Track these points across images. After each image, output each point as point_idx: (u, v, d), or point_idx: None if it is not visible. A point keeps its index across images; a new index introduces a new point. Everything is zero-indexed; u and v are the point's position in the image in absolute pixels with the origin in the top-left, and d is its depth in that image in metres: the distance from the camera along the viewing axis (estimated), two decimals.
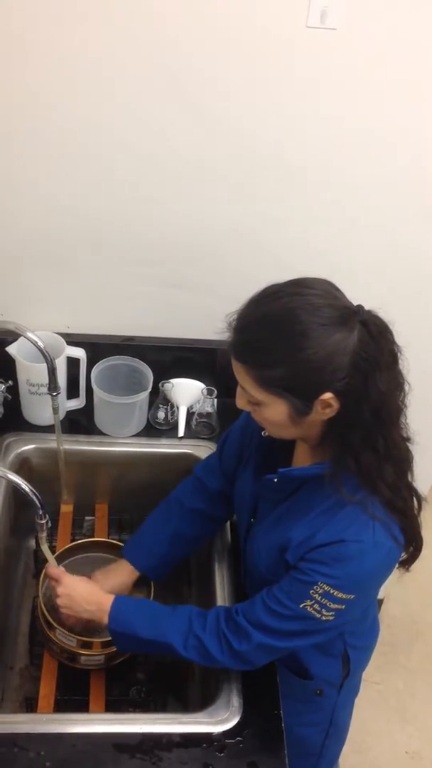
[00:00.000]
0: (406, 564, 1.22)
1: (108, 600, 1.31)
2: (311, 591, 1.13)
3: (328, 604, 1.13)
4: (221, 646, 1.22)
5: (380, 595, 2.39)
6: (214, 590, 1.46)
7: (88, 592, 1.34)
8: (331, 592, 1.12)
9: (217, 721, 1.27)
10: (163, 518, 1.49)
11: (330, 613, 1.14)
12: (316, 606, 1.14)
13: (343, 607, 1.14)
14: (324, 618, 1.15)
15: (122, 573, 1.47)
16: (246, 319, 1.08)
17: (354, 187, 1.59)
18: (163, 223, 1.63)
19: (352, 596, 1.14)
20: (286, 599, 1.17)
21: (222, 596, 1.45)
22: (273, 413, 1.10)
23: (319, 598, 1.13)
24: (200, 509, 1.47)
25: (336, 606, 1.14)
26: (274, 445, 1.24)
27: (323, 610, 1.14)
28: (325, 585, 1.12)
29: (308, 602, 1.14)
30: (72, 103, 1.46)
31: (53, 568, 1.39)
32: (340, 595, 1.13)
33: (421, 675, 2.47)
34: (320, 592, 1.13)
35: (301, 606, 1.15)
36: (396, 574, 1.24)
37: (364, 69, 1.44)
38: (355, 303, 1.09)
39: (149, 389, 1.69)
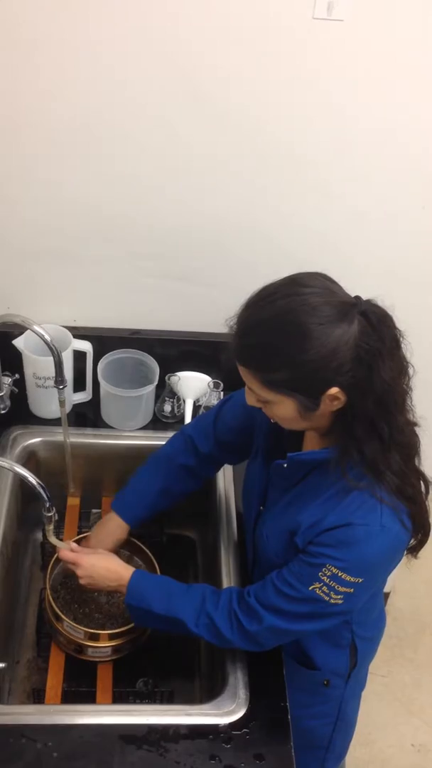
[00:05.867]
0: (414, 551, 1.22)
1: (128, 573, 1.34)
2: (320, 573, 1.14)
3: (336, 587, 1.14)
4: (232, 625, 1.24)
5: (387, 588, 2.39)
6: (221, 582, 1.47)
7: (107, 568, 1.37)
8: (339, 574, 1.13)
9: (224, 712, 1.27)
10: (152, 473, 1.51)
11: (338, 596, 1.15)
12: (324, 588, 1.15)
13: (352, 590, 1.15)
14: (332, 601, 1.16)
15: (111, 526, 1.51)
16: (245, 324, 1.09)
17: (360, 179, 1.58)
18: (169, 215, 1.63)
19: (361, 580, 1.14)
20: (296, 581, 1.18)
21: (228, 586, 1.44)
22: (282, 410, 1.11)
23: (327, 581, 1.14)
24: (189, 466, 1.48)
25: (344, 589, 1.15)
26: (283, 431, 1.25)
27: (332, 592, 1.15)
28: (333, 567, 1.13)
29: (317, 584, 1.15)
30: (77, 96, 1.46)
31: (66, 552, 1.41)
32: (348, 578, 1.13)
33: (428, 668, 2.47)
34: (328, 574, 1.14)
35: (310, 588, 1.16)
36: (403, 563, 1.25)
37: (371, 61, 1.43)
38: (361, 293, 1.09)
39: (155, 382, 1.70)
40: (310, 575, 1.16)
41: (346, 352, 1.03)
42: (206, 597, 1.27)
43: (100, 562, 1.38)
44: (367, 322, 1.05)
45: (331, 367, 1.04)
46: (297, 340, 1.03)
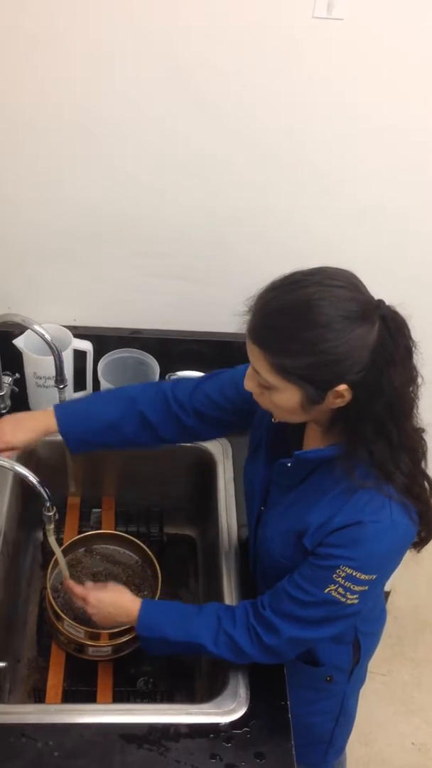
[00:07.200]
0: (418, 546, 1.23)
1: (135, 606, 1.31)
2: (334, 575, 1.14)
3: (351, 587, 1.14)
4: (252, 641, 1.23)
5: (387, 587, 2.39)
6: (221, 581, 1.47)
7: (115, 605, 1.34)
8: (354, 574, 1.13)
9: (224, 711, 1.27)
10: (109, 404, 1.39)
11: (354, 596, 1.15)
12: (340, 590, 1.15)
13: (366, 588, 1.15)
14: (349, 602, 1.16)
15: (40, 422, 1.38)
16: (269, 305, 1.08)
17: (362, 178, 1.58)
18: (169, 215, 1.63)
19: (374, 576, 1.15)
20: (309, 586, 1.17)
21: (229, 587, 1.45)
22: (284, 399, 1.10)
23: (342, 582, 1.14)
24: (151, 420, 1.37)
25: (359, 588, 1.14)
26: (285, 429, 1.24)
27: (347, 593, 1.15)
28: (347, 568, 1.13)
29: (332, 587, 1.15)
30: (77, 96, 1.46)
31: (76, 587, 1.40)
32: (362, 576, 1.13)
33: (428, 667, 2.48)
34: (342, 575, 1.14)
35: (325, 591, 1.15)
36: (404, 563, 1.25)
37: (371, 59, 1.43)
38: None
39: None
40: (323, 578, 1.15)
41: (363, 353, 1.04)
42: (221, 615, 1.26)
43: (108, 599, 1.36)
44: (385, 328, 1.05)
45: (346, 363, 1.04)
46: (318, 329, 1.03)
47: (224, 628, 1.24)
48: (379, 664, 2.39)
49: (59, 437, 1.62)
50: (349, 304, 1.04)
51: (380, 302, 1.08)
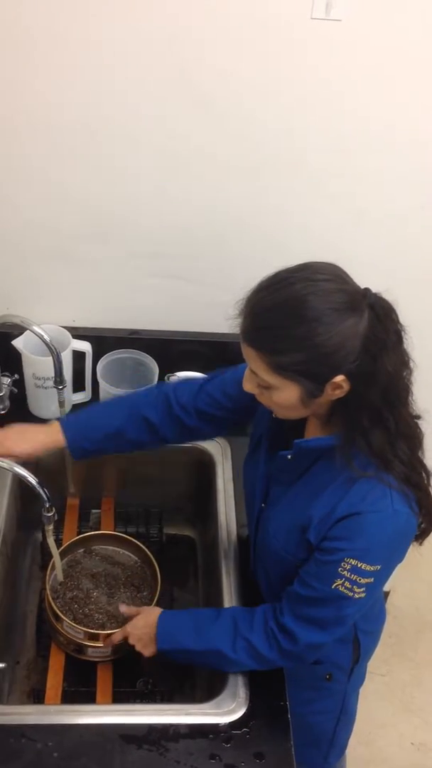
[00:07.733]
0: (420, 538, 1.23)
1: (154, 617, 1.31)
2: (339, 569, 1.14)
3: (358, 579, 1.14)
4: (270, 645, 1.23)
5: (387, 587, 2.39)
6: (221, 581, 1.47)
7: (145, 624, 1.34)
8: (359, 565, 1.13)
9: (224, 712, 1.27)
10: (113, 412, 1.42)
11: (361, 590, 1.15)
12: (347, 584, 1.15)
13: (372, 580, 1.15)
14: (356, 596, 1.16)
15: (46, 436, 1.39)
16: (258, 306, 1.09)
17: (361, 178, 1.59)
18: (168, 215, 1.63)
19: (379, 567, 1.15)
20: (317, 582, 1.17)
21: (228, 587, 1.45)
22: (283, 396, 1.11)
23: (348, 575, 1.14)
24: (153, 422, 1.39)
25: (366, 580, 1.14)
26: (284, 425, 1.24)
27: (354, 587, 1.15)
28: (351, 560, 1.13)
29: (338, 581, 1.15)
30: (77, 96, 1.46)
31: (116, 635, 1.40)
32: (367, 567, 1.13)
33: (428, 667, 2.48)
34: (348, 568, 1.14)
35: (332, 586, 1.15)
36: (403, 562, 1.25)
37: (370, 60, 1.43)
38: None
39: (155, 382, 1.70)
40: (330, 573, 1.15)
41: (355, 342, 1.04)
42: (238, 620, 1.26)
43: (137, 623, 1.36)
44: (374, 315, 1.06)
45: (340, 354, 1.05)
46: (309, 324, 1.04)
47: (241, 633, 1.24)
48: (378, 665, 2.39)
49: None
50: (336, 296, 1.05)
51: (366, 290, 1.09)
